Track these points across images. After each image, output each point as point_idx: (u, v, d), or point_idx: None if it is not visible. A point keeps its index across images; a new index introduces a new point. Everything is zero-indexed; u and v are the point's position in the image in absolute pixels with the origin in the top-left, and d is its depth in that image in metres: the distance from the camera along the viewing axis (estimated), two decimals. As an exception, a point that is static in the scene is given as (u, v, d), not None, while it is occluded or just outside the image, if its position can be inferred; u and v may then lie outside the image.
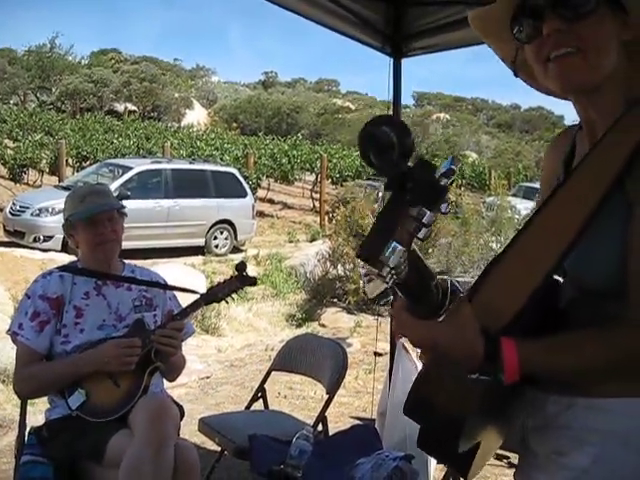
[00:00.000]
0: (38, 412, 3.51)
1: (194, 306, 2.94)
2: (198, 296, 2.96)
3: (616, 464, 1.21)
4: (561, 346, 1.20)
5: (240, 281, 3.00)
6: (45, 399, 2.91)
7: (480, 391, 1.21)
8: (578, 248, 1.23)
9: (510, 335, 1.18)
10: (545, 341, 1.20)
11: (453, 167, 0.96)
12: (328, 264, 9.58)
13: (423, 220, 0.97)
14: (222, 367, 6.96)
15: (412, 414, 1.32)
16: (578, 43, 1.21)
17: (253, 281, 3.06)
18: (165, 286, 3.08)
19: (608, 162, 1.21)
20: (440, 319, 1.17)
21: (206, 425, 3.51)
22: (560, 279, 1.35)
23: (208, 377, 6.52)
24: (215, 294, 2.97)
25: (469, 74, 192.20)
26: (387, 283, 0.98)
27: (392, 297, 0.98)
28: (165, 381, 3.01)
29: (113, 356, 2.69)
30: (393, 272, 0.98)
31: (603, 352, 1.17)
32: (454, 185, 15.58)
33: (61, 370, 2.74)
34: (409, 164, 0.96)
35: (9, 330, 2.80)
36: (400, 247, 0.96)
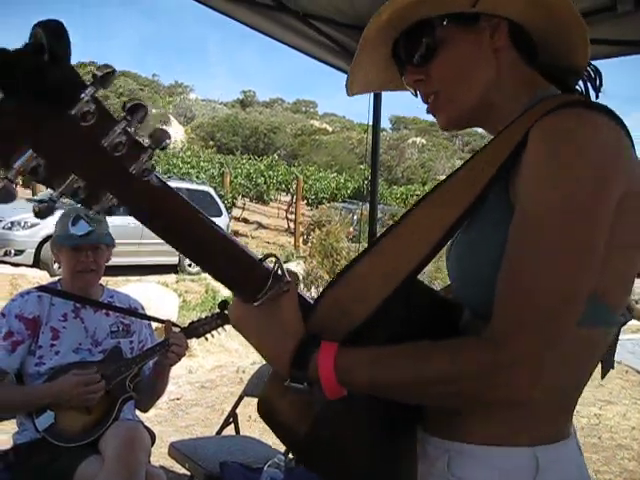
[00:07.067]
0: (4, 432, 3.45)
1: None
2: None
3: None
4: (400, 354, 1.00)
5: (222, 319, 3.05)
6: (13, 420, 2.86)
7: (318, 408, 1.05)
8: (459, 266, 1.11)
9: (363, 344, 1.01)
10: (379, 350, 1.01)
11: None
12: (302, 286, 9.56)
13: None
14: (193, 388, 6.91)
15: (261, 415, 1.16)
16: (435, 86, 1.18)
17: None
18: (144, 316, 3.06)
19: (485, 165, 1.06)
20: (256, 304, 1.02)
21: (176, 450, 3.47)
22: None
23: (178, 399, 6.47)
24: (196, 329, 3.02)
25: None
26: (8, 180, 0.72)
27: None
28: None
29: (74, 395, 2.63)
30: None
31: (446, 365, 0.96)
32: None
33: (18, 397, 2.69)
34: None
35: None
36: (30, 151, 0.74)
